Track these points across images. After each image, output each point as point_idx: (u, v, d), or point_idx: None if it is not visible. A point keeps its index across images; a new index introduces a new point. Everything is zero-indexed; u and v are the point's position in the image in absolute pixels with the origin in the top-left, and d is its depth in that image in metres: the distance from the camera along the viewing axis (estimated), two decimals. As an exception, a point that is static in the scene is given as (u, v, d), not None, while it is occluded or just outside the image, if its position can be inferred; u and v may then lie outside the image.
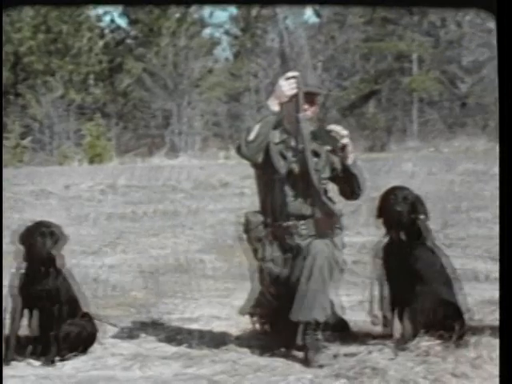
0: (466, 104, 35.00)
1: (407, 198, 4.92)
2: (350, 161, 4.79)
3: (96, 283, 6.86)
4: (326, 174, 4.84)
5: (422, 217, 4.92)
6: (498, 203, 12.81)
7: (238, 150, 4.72)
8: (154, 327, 5.53)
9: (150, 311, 6.08)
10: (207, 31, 36.33)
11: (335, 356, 4.66)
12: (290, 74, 4.71)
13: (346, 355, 4.66)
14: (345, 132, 4.75)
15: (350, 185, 4.85)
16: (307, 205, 4.73)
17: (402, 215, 4.86)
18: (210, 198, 13.80)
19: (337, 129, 4.75)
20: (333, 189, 4.97)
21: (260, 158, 4.71)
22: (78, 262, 7.15)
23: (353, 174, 4.81)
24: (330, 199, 4.81)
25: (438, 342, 4.74)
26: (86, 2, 5.42)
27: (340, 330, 5.00)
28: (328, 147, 4.76)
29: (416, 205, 4.92)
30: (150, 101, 32.81)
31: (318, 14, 37.37)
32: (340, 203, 4.95)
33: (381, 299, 4.98)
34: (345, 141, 4.73)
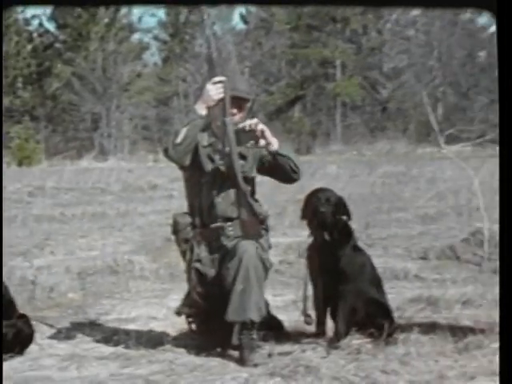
0: (386, 108, 35.50)
1: (330, 200, 4.95)
2: (275, 145, 4.76)
3: (32, 285, 6.75)
4: (254, 174, 4.85)
5: (344, 217, 4.97)
6: (417, 203, 12.95)
7: (166, 153, 4.70)
8: (90, 328, 5.46)
9: (87, 312, 6.01)
10: (136, 36, 36.11)
11: (270, 355, 4.66)
12: (217, 78, 4.70)
13: (280, 354, 4.66)
14: (254, 120, 4.75)
15: (284, 169, 4.83)
16: (234, 207, 4.73)
17: (326, 216, 4.90)
18: (139, 201, 13.71)
19: (247, 122, 4.76)
20: (266, 186, 4.97)
21: (187, 161, 4.69)
22: (6, 263, 7.02)
23: (283, 156, 4.79)
24: (256, 201, 4.82)
25: (369, 340, 4.79)
26: (86, 2, 5.29)
27: (274, 330, 5.01)
28: (251, 142, 4.75)
29: (339, 206, 4.96)
30: (78, 104, 32.45)
31: (245, 21, 37.47)
32: (266, 205, 4.97)
33: (314, 299, 5.02)
34: (259, 127, 4.72)
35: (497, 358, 4.47)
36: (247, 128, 4.71)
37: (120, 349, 4.91)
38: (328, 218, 4.90)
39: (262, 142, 4.74)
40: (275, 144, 4.75)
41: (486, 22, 37.65)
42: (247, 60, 34.71)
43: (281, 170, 4.81)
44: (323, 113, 36.39)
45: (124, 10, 32.48)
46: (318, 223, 4.93)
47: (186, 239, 4.78)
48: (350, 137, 32.51)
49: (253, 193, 4.84)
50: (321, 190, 5.04)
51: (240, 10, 38.17)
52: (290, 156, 4.80)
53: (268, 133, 4.74)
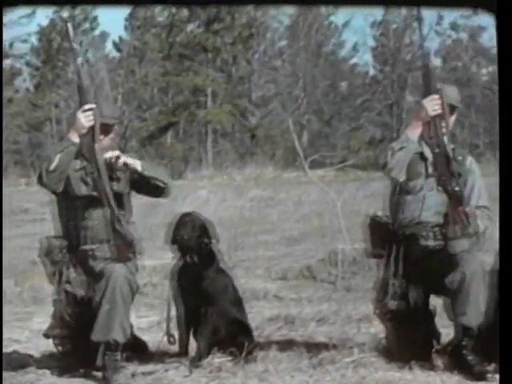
0: (255, 135, 35.90)
1: (194, 224, 5.00)
2: (139, 168, 4.78)
3: None
4: (127, 190, 4.84)
5: (212, 240, 5.02)
6: (284, 226, 13.09)
7: (39, 180, 4.66)
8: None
9: None
10: (8, 62, 35.19)
11: (133, 375, 4.64)
12: (86, 106, 4.70)
13: (143, 374, 4.65)
14: (115, 153, 4.75)
15: (152, 185, 4.84)
16: (105, 229, 4.71)
17: (191, 239, 4.94)
18: (9, 224, 13.36)
19: (108, 155, 4.76)
20: (135, 210, 4.95)
21: (60, 188, 4.66)
22: None
23: (147, 175, 4.80)
24: (128, 223, 4.81)
25: (230, 358, 4.83)
26: (86, 2, 5.12)
27: (138, 350, 4.99)
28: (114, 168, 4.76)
29: (202, 230, 5.01)
30: (-51, 128, 31.34)
31: (118, 49, 37.20)
32: (137, 227, 4.95)
33: (177, 319, 5.02)
34: (120, 161, 4.73)
35: (349, 372, 4.60)
36: (111, 160, 4.72)
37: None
38: (193, 241, 4.94)
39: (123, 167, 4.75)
40: (139, 167, 4.76)
41: (347, 53, 38.77)
42: (120, 87, 34.43)
43: (149, 186, 4.83)
44: (195, 139, 36.48)
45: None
46: (184, 246, 4.96)
47: (56, 261, 4.72)
48: (220, 162, 32.68)
49: (125, 215, 4.82)
50: (186, 215, 5.08)
51: (113, 37, 37.93)
52: (154, 171, 4.83)
53: (129, 161, 4.76)
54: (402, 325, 4.74)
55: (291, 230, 11.25)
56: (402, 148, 4.65)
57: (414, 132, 4.70)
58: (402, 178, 4.70)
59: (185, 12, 36.27)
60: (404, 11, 36.65)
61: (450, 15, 36.89)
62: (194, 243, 4.95)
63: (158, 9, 36.01)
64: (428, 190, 4.75)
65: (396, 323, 4.76)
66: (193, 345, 4.99)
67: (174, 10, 36.15)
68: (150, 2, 3.57)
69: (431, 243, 4.73)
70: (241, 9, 36.13)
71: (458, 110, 4.85)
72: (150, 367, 4.79)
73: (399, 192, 4.81)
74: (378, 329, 5.46)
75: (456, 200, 4.66)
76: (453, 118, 4.80)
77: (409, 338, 4.73)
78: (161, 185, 4.82)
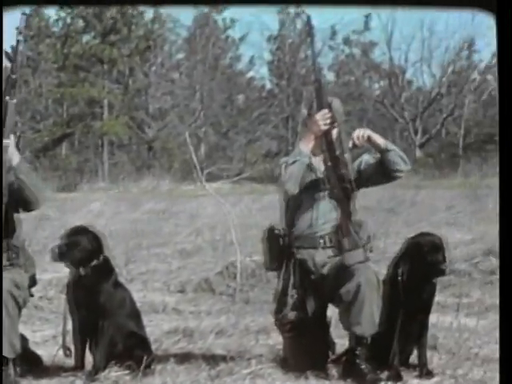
0: (152, 147, 35.72)
1: (84, 237, 4.94)
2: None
3: None
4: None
5: (103, 254, 4.97)
6: (177, 239, 13.00)
7: None
8: None
9: None
10: None
11: (28, 390, 4.56)
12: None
13: (37, 388, 4.57)
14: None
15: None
16: None
17: (83, 253, 4.88)
18: None
19: None
20: (28, 223, 4.87)
21: None
22: None
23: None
24: (18, 239, 4.71)
25: (127, 372, 4.79)
26: (84, 2, 4.86)
27: (33, 365, 4.89)
28: None
29: (97, 242, 4.96)
30: None
31: (9, 59, 36.43)
32: (27, 241, 4.87)
33: (73, 333, 4.95)
34: None
35: (247, 383, 4.65)
36: None
37: None
38: (85, 255, 4.89)
39: None
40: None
41: (244, 66, 39.07)
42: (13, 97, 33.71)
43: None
44: (90, 151, 36.02)
45: None
46: (75, 260, 4.90)
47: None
48: (116, 174, 32.36)
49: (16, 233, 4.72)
50: (75, 229, 5.03)
51: (5, 47, 37.01)
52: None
53: None
54: (300, 335, 4.80)
55: (184, 243, 11.23)
56: (295, 161, 4.74)
57: (306, 145, 4.80)
58: (294, 190, 4.79)
59: (80, 23, 35.83)
60: (299, 26, 37.29)
61: (343, 30, 37.74)
62: (86, 257, 4.90)
63: (52, 19, 35.50)
64: (320, 201, 4.85)
65: (294, 334, 4.82)
66: (89, 358, 4.92)
67: (68, 20, 35.66)
68: (150, 2, 3.50)
69: (325, 254, 4.82)
70: (138, 20, 35.95)
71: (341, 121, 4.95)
72: (44, 382, 4.71)
73: (292, 204, 4.90)
74: (275, 340, 5.52)
75: (347, 213, 4.77)
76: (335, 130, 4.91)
77: (306, 349, 4.80)
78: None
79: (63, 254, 4.86)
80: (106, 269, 4.98)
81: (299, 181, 4.76)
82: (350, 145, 4.86)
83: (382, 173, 4.87)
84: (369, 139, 4.81)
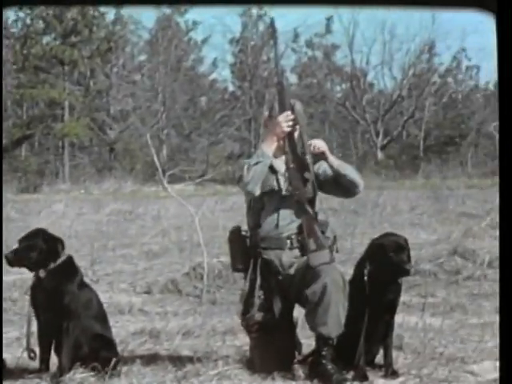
0: (114, 149, 35.54)
1: (39, 240, 4.91)
2: None
3: None
4: None
5: (61, 256, 4.92)
6: (142, 240, 12.94)
7: None
8: None
9: None
10: None
11: (-9, 392, 4.50)
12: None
13: (2, 391, 4.52)
14: None
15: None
16: None
17: (39, 256, 4.85)
18: None
19: None
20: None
21: None
22: None
23: None
24: None
25: (92, 373, 4.76)
26: (86, 2, 4.75)
27: (-4, 368, 4.84)
28: None
29: (54, 244, 4.92)
30: None
31: (-31, 59, 36.01)
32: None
33: (38, 335, 4.91)
34: None
35: (213, 384, 4.65)
36: None
37: None
38: (40, 258, 4.85)
39: None
40: None
41: (206, 69, 39.04)
42: (-28, 98, 33.37)
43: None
44: (51, 152, 35.74)
45: None
46: (32, 263, 4.87)
47: None
48: (77, 176, 32.15)
49: None
50: (36, 230, 5.00)
51: (-35, 48, 36.63)
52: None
53: None
54: (267, 336, 4.81)
55: (150, 244, 11.20)
56: (257, 163, 4.75)
57: (269, 147, 4.81)
58: (257, 192, 4.79)
59: (40, 24, 35.53)
60: (261, 28, 37.35)
61: (306, 33, 37.91)
62: (42, 258, 4.86)
63: (11, 19, 35.13)
64: (284, 202, 4.86)
65: (261, 335, 4.83)
66: (54, 360, 4.88)
67: (28, 21, 35.33)
68: (151, 2, 3.45)
69: (292, 255, 4.84)
70: (99, 22, 35.74)
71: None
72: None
73: (256, 205, 4.90)
74: (242, 341, 5.52)
75: (310, 214, 4.79)
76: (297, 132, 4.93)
77: (272, 349, 4.81)
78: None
79: (17, 258, 4.84)
80: (70, 270, 4.94)
81: (261, 182, 4.78)
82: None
83: (339, 189, 4.92)
84: (323, 154, 4.85)
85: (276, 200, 4.87)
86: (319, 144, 4.87)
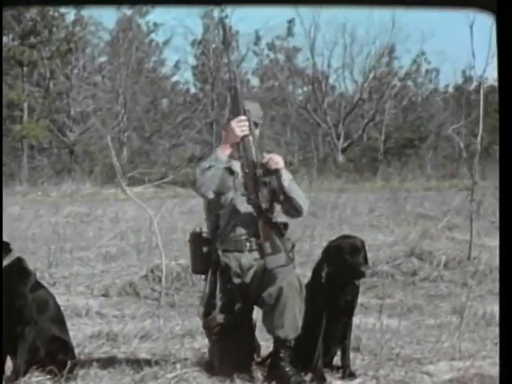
0: (73, 151, 35.26)
1: None
2: None
3: None
4: None
5: (13, 258, 4.85)
6: (100, 243, 12.84)
7: None
8: None
9: None
10: None
11: None
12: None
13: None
14: None
15: None
16: None
17: None
18: None
19: None
20: None
21: None
22: None
23: None
24: None
25: (49, 376, 4.72)
26: (86, 2, 4.64)
27: None
28: None
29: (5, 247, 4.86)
30: None
31: None
32: None
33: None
34: None
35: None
36: None
37: None
38: None
39: None
40: None
41: (168, 71, 38.93)
42: None
43: None
44: (9, 154, 35.36)
45: None
46: None
47: None
48: (36, 178, 31.84)
49: None
50: None
51: None
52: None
53: None
54: (227, 338, 4.81)
55: (107, 246, 11.13)
56: (209, 167, 4.75)
57: (223, 152, 4.81)
58: (210, 195, 4.80)
59: (-1, 24, 35.17)
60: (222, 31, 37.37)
61: (267, 35, 37.97)
62: None
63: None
64: (240, 204, 4.87)
65: (222, 337, 4.83)
66: (9, 363, 4.83)
67: (-14, 21, 34.95)
68: (151, 2, 3.43)
69: (251, 257, 4.85)
70: (59, 22, 35.47)
71: (260, 124, 4.99)
72: (-38, 389, 4.61)
73: (214, 208, 4.91)
74: (201, 344, 5.52)
75: (266, 218, 4.80)
76: (257, 133, 4.94)
77: (231, 352, 4.81)
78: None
79: None
80: (20, 273, 4.87)
81: (214, 186, 4.77)
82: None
83: (284, 206, 4.93)
84: (277, 171, 4.84)
85: (235, 203, 4.88)
86: (276, 160, 4.85)
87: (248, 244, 4.85)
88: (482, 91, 10.67)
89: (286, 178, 4.85)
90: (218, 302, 4.80)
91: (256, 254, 4.85)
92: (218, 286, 4.82)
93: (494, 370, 4.96)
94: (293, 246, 4.89)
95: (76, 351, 5.05)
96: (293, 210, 4.91)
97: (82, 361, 5.03)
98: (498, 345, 2.92)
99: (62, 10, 33.97)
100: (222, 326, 4.80)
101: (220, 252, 4.85)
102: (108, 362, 5.10)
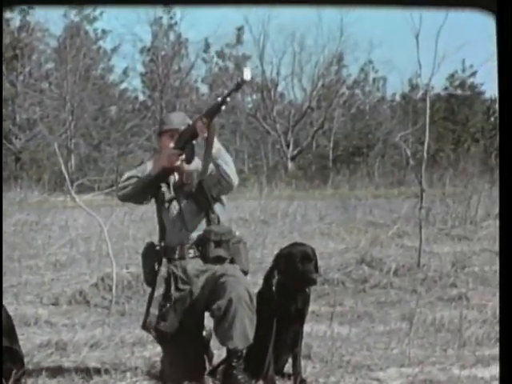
0: (20, 158, 34.84)
1: None
2: None
3: None
4: None
5: None
6: (49, 251, 12.68)
7: None
8: None
9: None
10: None
11: None
12: None
13: None
14: None
15: None
16: None
17: None
18: None
19: None
20: None
21: None
22: None
23: None
24: None
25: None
26: (86, 2, 4.53)
27: None
28: None
29: None
30: None
31: None
32: None
33: None
34: None
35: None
36: None
37: None
38: None
39: None
40: None
41: (116, 78, 38.70)
42: None
43: None
44: (-46, 161, 34.81)
45: None
46: None
47: None
48: (-19, 186, 31.39)
49: None
50: None
51: None
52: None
53: None
54: (178, 347, 4.79)
55: (57, 254, 11.02)
56: (135, 177, 4.82)
57: (154, 167, 4.90)
58: (125, 201, 5.10)
59: None
60: (172, 38, 37.29)
61: (217, 43, 37.99)
62: None
63: None
64: (182, 213, 4.88)
65: (173, 345, 4.81)
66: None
67: None
68: (151, 2, 3.37)
69: (197, 264, 4.84)
70: (4, 28, 35.02)
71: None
72: None
73: (159, 216, 4.93)
74: (151, 352, 5.50)
75: (207, 224, 4.85)
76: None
77: (184, 360, 4.80)
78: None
79: None
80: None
81: (135, 195, 4.90)
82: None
83: (215, 176, 4.85)
84: (207, 139, 4.77)
85: (175, 211, 4.89)
86: (202, 128, 4.77)
87: (192, 251, 4.85)
88: (428, 99, 10.84)
89: (217, 145, 4.83)
90: (168, 311, 4.78)
91: (200, 262, 4.85)
92: (167, 295, 4.81)
93: (443, 376, 5.03)
94: (237, 252, 4.89)
95: (25, 360, 4.99)
96: (222, 179, 4.82)
97: (30, 370, 4.97)
98: (498, 345, 2.95)
99: (8, 15, 33.55)
100: (171, 335, 4.79)
101: (167, 260, 4.85)
102: (57, 371, 5.06)
